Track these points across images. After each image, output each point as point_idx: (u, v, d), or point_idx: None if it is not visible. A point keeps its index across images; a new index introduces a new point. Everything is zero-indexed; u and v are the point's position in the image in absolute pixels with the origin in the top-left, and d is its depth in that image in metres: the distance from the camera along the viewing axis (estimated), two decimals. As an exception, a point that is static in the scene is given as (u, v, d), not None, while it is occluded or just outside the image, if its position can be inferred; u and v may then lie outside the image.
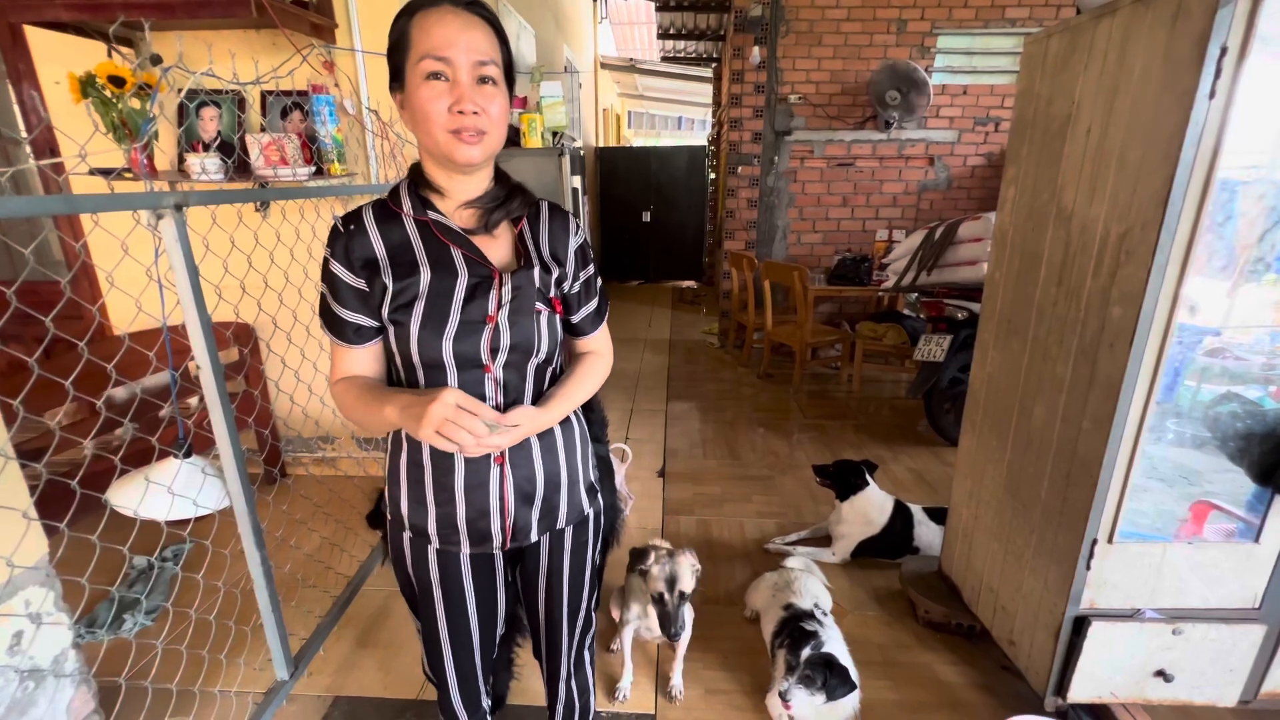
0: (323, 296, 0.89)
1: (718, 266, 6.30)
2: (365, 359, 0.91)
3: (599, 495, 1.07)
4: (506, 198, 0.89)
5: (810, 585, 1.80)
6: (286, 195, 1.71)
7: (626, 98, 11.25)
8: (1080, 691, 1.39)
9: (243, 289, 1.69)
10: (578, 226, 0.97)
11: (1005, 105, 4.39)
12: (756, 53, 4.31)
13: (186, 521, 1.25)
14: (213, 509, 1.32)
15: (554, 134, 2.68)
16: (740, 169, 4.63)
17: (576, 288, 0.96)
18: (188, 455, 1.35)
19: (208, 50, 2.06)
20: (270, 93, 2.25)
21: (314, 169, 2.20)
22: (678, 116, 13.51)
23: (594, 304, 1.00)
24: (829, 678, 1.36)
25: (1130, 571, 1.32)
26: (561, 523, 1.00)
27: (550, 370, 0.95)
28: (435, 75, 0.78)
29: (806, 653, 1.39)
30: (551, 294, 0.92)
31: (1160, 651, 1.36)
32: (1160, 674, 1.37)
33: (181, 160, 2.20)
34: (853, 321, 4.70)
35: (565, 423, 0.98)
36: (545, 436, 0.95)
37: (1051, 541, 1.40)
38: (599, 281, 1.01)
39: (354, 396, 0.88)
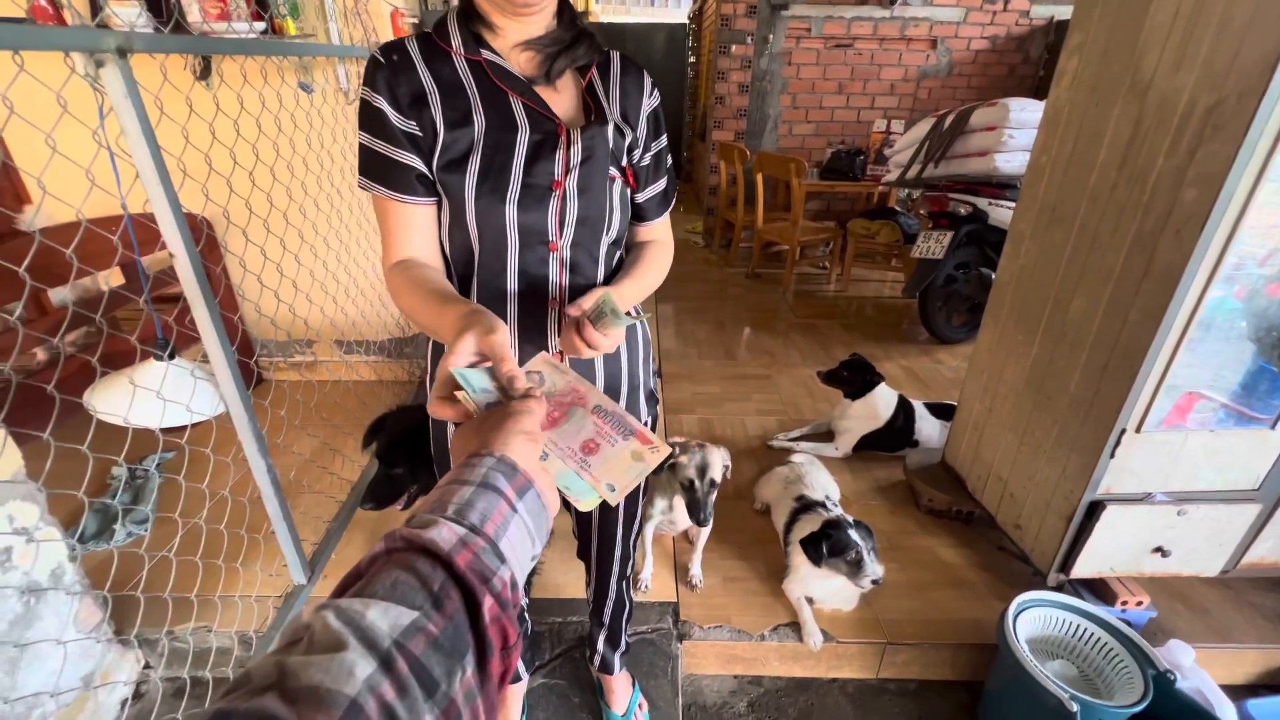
0: (363, 148, 0.70)
1: (696, 162, 5.96)
2: (426, 225, 0.73)
3: (658, 402, 0.99)
4: (572, 42, 0.72)
5: (820, 478, 1.83)
6: (238, 49, 1.45)
7: (594, -34, 10.07)
8: (1084, 569, 1.48)
9: (183, 172, 1.36)
10: (653, 86, 0.80)
11: (1018, -20, 4.07)
12: (756, -94, 3.82)
13: (183, 429, 1.13)
14: (208, 415, 1.20)
15: None
16: (733, 47, 4.25)
17: (647, 160, 0.81)
18: (171, 357, 1.20)
19: None
20: (198, -75, 1.84)
21: (264, 27, 1.87)
22: (650, -10, 12.24)
23: (662, 184, 0.85)
24: (869, 535, 1.46)
25: (1151, 459, 1.36)
26: None
27: (619, 255, 0.83)
28: None
29: (854, 535, 1.42)
30: (624, 162, 0.77)
31: (1163, 530, 1.43)
32: (1158, 550, 1.45)
33: (96, 10, 1.83)
34: (840, 219, 4.58)
35: None
36: None
37: (1075, 432, 1.42)
38: (669, 159, 0.86)
39: (409, 292, 0.69)
